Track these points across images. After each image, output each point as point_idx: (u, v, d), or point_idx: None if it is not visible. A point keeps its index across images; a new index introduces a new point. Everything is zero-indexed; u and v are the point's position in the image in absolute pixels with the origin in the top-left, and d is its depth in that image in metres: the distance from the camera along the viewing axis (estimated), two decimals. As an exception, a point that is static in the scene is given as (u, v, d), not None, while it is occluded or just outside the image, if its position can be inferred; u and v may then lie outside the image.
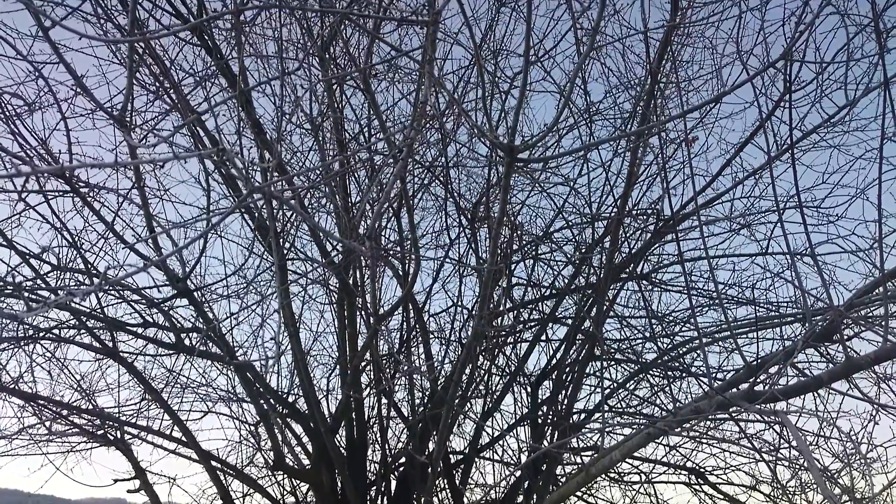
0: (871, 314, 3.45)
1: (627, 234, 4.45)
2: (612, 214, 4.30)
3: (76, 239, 3.73)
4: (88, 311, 3.77)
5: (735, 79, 4.01)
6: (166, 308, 3.79)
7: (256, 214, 3.75)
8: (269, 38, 3.90)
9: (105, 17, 3.07)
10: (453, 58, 4.55)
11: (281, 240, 4.07)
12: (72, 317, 3.89)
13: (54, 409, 4.33)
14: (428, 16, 1.96)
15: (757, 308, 4.26)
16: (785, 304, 4.31)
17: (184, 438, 4.34)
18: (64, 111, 2.89)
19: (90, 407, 4.44)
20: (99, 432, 4.52)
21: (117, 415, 4.48)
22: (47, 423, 4.46)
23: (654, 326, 4.64)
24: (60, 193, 3.21)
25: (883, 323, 3.01)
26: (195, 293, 3.76)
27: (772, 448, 3.92)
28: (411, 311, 4.66)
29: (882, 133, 3.02)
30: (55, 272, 3.83)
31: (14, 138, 3.12)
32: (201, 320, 3.84)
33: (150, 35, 2.81)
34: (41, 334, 3.99)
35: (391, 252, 4.29)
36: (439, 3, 1.95)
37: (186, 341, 4.06)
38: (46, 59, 2.78)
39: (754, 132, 3.89)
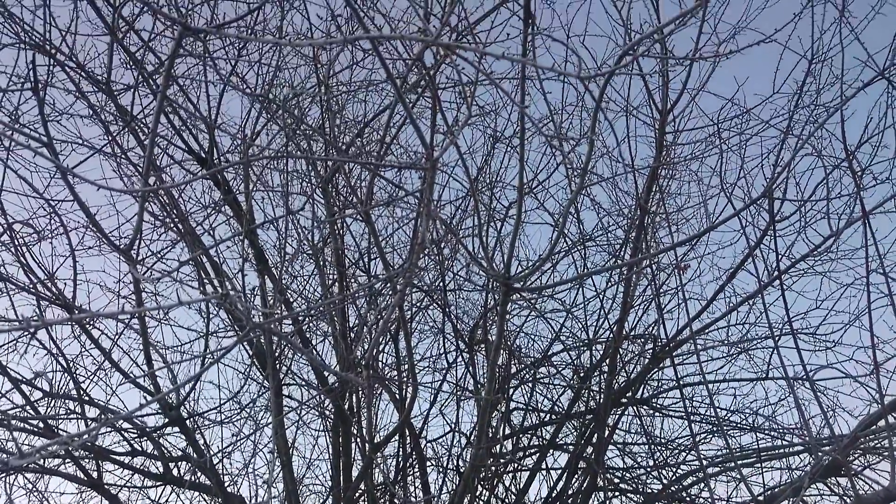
0: (877, 446, 3.38)
1: (625, 360, 4.45)
2: (610, 339, 4.32)
3: (71, 365, 3.71)
4: (75, 439, 3.67)
5: (722, 208, 4.19)
6: (156, 436, 3.70)
7: (255, 341, 3.76)
8: (275, 169, 4.10)
9: (123, 156, 3.25)
10: (451, 187, 4.76)
11: (278, 364, 4.06)
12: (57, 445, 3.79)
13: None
14: (427, 162, 2.08)
15: (758, 435, 4.18)
16: (790, 431, 4.23)
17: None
18: (73, 244, 2.98)
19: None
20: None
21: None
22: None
23: (657, 454, 4.51)
24: (61, 322, 3.24)
25: (889, 455, 2.95)
26: (188, 421, 3.69)
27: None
28: (408, 438, 4.55)
29: (867, 264, 3.11)
30: (46, 398, 3.78)
31: (22, 268, 3.20)
32: (192, 449, 3.74)
33: (164, 186, 2.96)
34: (24, 464, 3.87)
35: (388, 378, 4.26)
36: (437, 152, 2.08)
37: (175, 471, 3.93)
38: (62, 198, 2.91)
39: (743, 261, 4.00)
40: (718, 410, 4.36)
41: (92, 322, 3.32)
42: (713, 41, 3.76)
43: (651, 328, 4.54)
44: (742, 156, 3.88)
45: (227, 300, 1.68)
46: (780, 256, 3.84)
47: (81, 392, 3.60)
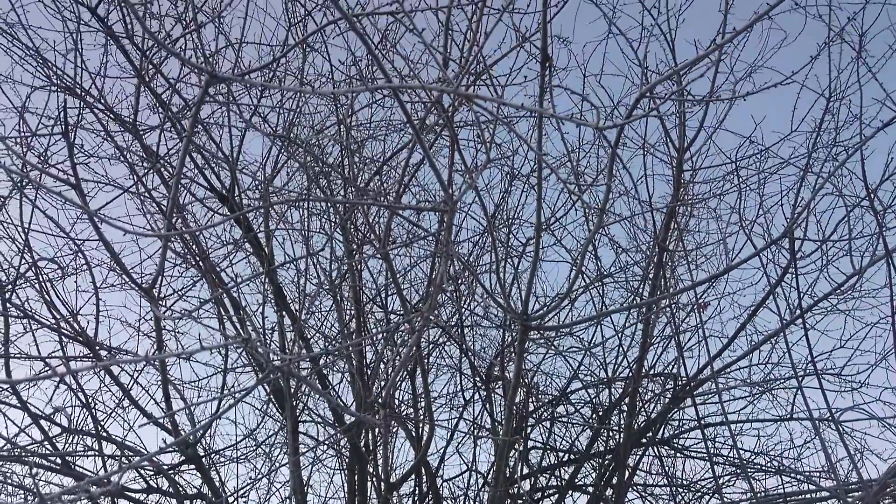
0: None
1: (645, 399, 4.38)
2: (629, 378, 4.26)
3: (90, 401, 3.73)
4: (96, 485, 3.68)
5: (742, 246, 4.15)
6: (172, 474, 3.69)
7: (272, 379, 3.76)
8: (295, 208, 4.15)
9: (148, 195, 3.32)
10: (467, 225, 4.79)
11: (295, 402, 4.05)
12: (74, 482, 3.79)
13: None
14: (446, 205, 2.10)
15: (783, 479, 4.07)
16: (816, 475, 4.12)
17: None
18: (97, 282, 3.03)
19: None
20: None
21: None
22: None
23: (678, 496, 4.41)
24: (86, 368, 3.27)
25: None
26: (204, 458, 3.68)
27: None
28: (424, 477, 4.49)
29: (892, 304, 3.06)
30: (64, 434, 3.80)
31: (45, 305, 3.25)
32: (207, 488, 3.72)
33: (188, 231, 3.02)
34: None
35: (405, 416, 4.22)
36: (456, 194, 2.10)
37: (190, 510, 3.91)
38: (88, 237, 2.97)
39: (763, 300, 3.95)
40: (742, 452, 4.26)
41: (118, 364, 3.35)
42: (730, 80, 3.79)
43: (671, 367, 4.48)
44: (761, 194, 3.86)
45: (247, 344, 1.69)
46: (801, 295, 3.79)
47: (99, 428, 3.61)
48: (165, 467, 3.66)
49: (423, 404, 4.18)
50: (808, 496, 3.83)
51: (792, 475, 4.06)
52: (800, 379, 3.66)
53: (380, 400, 3.41)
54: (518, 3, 2.81)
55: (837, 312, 4.12)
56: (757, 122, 3.95)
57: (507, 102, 1.32)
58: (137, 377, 3.45)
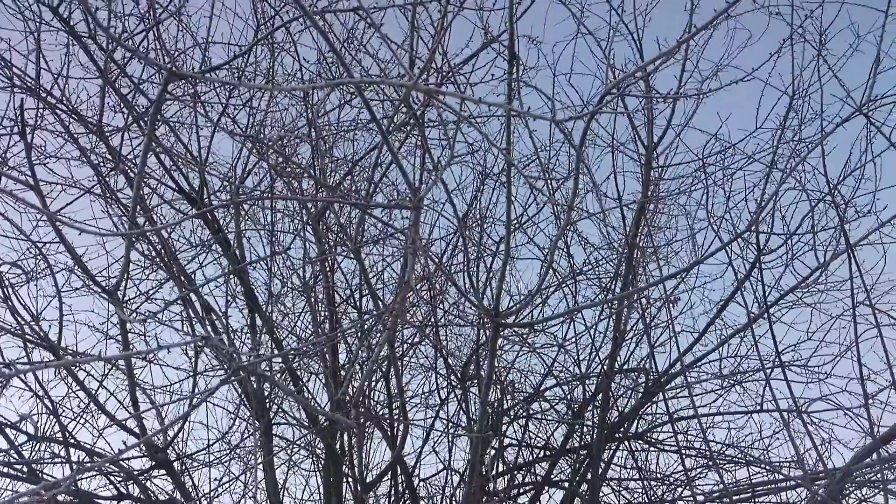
0: (871, 479, 3.35)
1: (618, 394, 4.42)
2: (602, 373, 4.30)
3: (56, 407, 3.66)
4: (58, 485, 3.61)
5: (710, 241, 4.22)
6: (143, 480, 3.64)
7: (244, 381, 3.73)
8: (265, 208, 4.12)
9: (112, 197, 3.26)
10: (440, 224, 4.78)
11: (267, 403, 4.02)
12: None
13: None
14: (412, 202, 2.10)
15: (752, 470, 4.14)
16: (785, 466, 4.19)
17: None
18: (60, 286, 2.97)
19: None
20: None
21: None
22: None
23: (651, 490, 4.46)
24: (46, 366, 3.21)
25: (883, 487, 2.93)
26: (175, 463, 3.63)
27: None
28: (400, 476, 4.49)
29: (853, 296, 3.13)
30: (31, 442, 3.72)
31: (8, 310, 3.18)
32: (179, 493, 3.67)
33: (150, 230, 2.97)
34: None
35: (379, 416, 4.21)
36: (422, 192, 2.11)
37: (162, 516, 3.85)
38: (49, 240, 2.91)
39: (731, 295, 4.02)
40: (712, 445, 4.32)
41: (78, 364, 3.29)
42: (696, 78, 3.85)
43: (643, 362, 4.53)
44: (728, 190, 3.93)
45: (209, 343, 1.67)
46: (768, 289, 3.86)
47: (67, 435, 3.54)
48: (136, 473, 3.60)
49: (397, 404, 4.18)
50: (776, 485, 3.90)
51: (760, 466, 4.14)
52: (767, 372, 3.72)
53: (353, 400, 3.40)
54: (485, 2, 2.82)
55: (803, 305, 4.20)
56: (723, 119, 4.02)
57: (468, 97, 1.32)
58: (103, 380, 3.39)
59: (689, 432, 4.59)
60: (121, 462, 3.67)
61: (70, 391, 3.82)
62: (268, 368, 3.42)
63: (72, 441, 3.63)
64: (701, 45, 3.81)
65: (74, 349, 3.69)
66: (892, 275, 4.03)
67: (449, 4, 2.41)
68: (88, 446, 3.73)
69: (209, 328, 3.56)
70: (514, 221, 3.77)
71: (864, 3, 3.25)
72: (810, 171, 3.74)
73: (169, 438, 3.47)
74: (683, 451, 4.21)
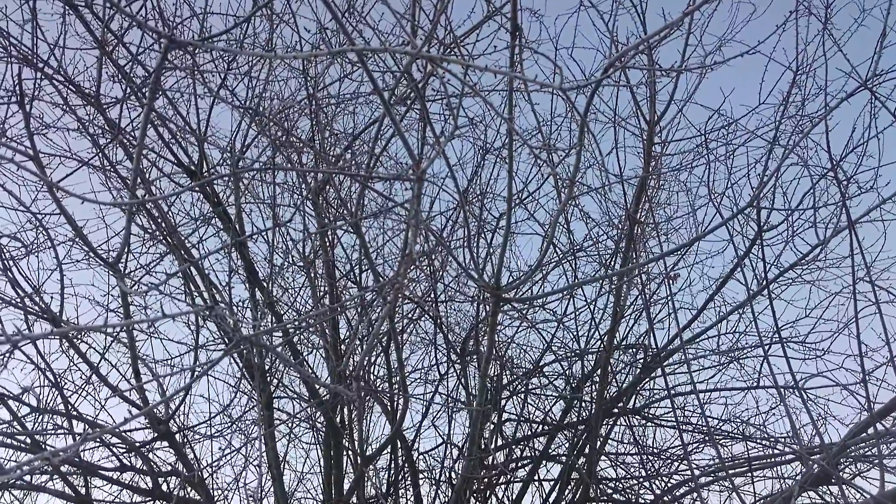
0: (866, 454, 3.39)
1: (617, 370, 4.45)
2: (601, 349, 4.32)
3: (59, 380, 3.68)
4: (59, 454, 3.64)
5: (711, 218, 4.21)
6: (145, 452, 3.67)
7: (245, 353, 3.75)
8: (265, 181, 4.10)
9: (111, 169, 3.24)
10: (441, 198, 4.77)
11: (269, 377, 4.04)
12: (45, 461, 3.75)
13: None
14: (414, 173, 2.09)
15: (749, 445, 4.18)
16: (781, 440, 4.24)
17: None
18: (60, 258, 2.97)
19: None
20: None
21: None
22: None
23: (649, 464, 4.51)
24: (45, 336, 3.22)
25: (878, 462, 2.96)
26: (177, 435, 3.66)
27: None
28: (400, 450, 4.53)
29: (853, 273, 3.14)
30: (34, 414, 3.74)
31: (8, 283, 3.18)
32: (181, 464, 3.71)
33: (151, 199, 2.96)
34: (6, 480, 3.82)
35: (379, 390, 4.24)
36: (424, 163, 2.09)
37: (164, 487, 3.89)
38: (49, 211, 2.90)
39: (731, 271, 4.02)
40: (709, 420, 4.36)
41: (80, 336, 3.30)
42: (699, 52, 3.81)
43: (642, 338, 4.55)
44: (729, 166, 3.91)
45: (213, 313, 1.67)
46: (768, 266, 3.87)
47: (69, 407, 3.57)
48: (138, 444, 3.63)
49: (397, 378, 4.21)
50: (772, 460, 3.94)
51: (757, 441, 4.18)
52: (766, 348, 3.74)
53: (354, 374, 3.42)
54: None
55: (802, 282, 4.21)
56: (726, 94, 3.98)
57: (472, 65, 1.31)
58: (105, 353, 3.40)
59: (686, 408, 4.64)
60: (123, 434, 3.71)
61: (72, 363, 3.84)
62: (269, 341, 3.43)
63: (74, 413, 3.66)
64: (705, 19, 3.77)
65: (76, 322, 3.70)
66: (892, 252, 4.04)
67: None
68: (91, 418, 3.76)
69: (210, 301, 3.56)
70: (515, 197, 3.76)
71: (871, -23, 3.21)
72: (812, 147, 3.73)
73: (171, 411, 3.50)
74: (681, 427, 4.24)
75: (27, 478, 3.88)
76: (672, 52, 3.87)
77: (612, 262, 4.34)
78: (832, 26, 3.50)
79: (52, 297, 3.20)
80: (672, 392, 4.33)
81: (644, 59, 3.85)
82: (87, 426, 3.42)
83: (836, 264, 4.17)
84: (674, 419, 4.45)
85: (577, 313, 4.48)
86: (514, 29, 2.86)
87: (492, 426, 4.62)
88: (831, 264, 4.17)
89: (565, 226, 4.35)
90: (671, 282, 4.07)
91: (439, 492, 4.76)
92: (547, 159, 3.33)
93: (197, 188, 3.28)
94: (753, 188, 3.47)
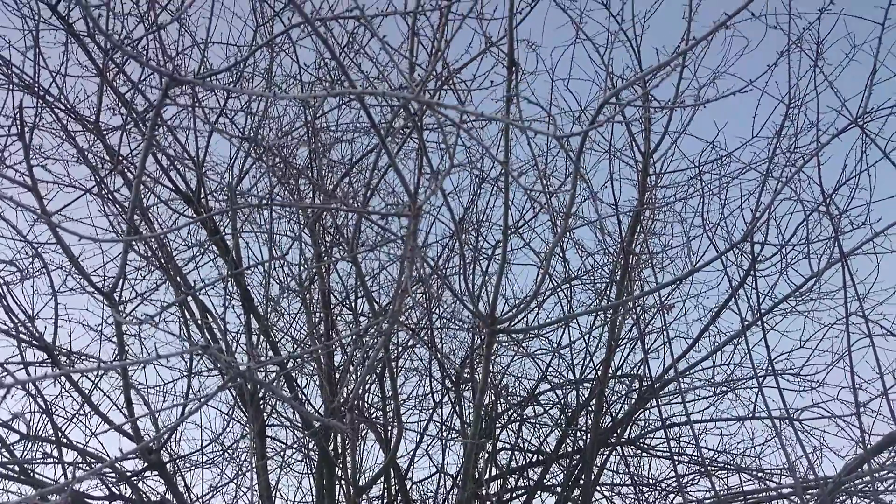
0: (862, 490, 3.38)
1: (612, 400, 4.44)
2: (596, 379, 4.32)
3: (49, 407, 3.64)
4: (53, 483, 3.60)
5: (706, 248, 4.24)
6: (135, 481, 3.63)
7: (239, 382, 3.73)
8: (263, 208, 4.12)
9: (110, 197, 3.25)
10: (438, 224, 4.79)
11: (262, 405, 4.01)
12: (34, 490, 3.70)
13: None
14: (410, 210, 2.11)
15: (744, 477, 4.16)
16: (777, 472, 4.22)
17: None
18: (55, 285, 2.96)
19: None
20: None
21: None
22: None
23: (643, 496, 4.48)
24: (40, 364, 3.21)
25: (874, 499, 2.95)
26: (168, 465, 3.62)
27: None
28: (393, 479, 4.49)
29: (846, 306, 3.16)
30: (23, 441, 3.70)
31: (3, 309, 3.17)
32: (171, 494, 3.67)
33: (148, 236, 2.97)
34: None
35: (373, 419, 4.22)
36: (421, 199, 2.11)
37: (154, 516, 3.84)
38: (45, 240, 2.90)
39: (725, 303, 4.04)
40: (704, 451, 4.34)
41: (71, 363, 3.28)
42: (694, 85, 3.86)
43: (637, 368, 4.55)
44: (723, 198, 3.95)
45: (207, 351, 1.67)
46: (762, 297, 3.88)
47: (60, 435, 3.53)
48: (128, 474, 3.59)
49: (391, 407, 4.18)
50: (767, 493, 3.92)
51: (752, 473, 4.16)
52: (760, 379, 3.74)
53: (348, 404, 3.40)
54: (485, 9, 2.83)
55: (796, 314, 4.23)
56: (720, 127, 4.04)
57: (467, 110, 1.33)
58: (98, 382, 3.38)
59: (681, 439, 4.62)
60: (115, 464, 3.67)
61: (63, 390, 3.81)
62: (264, 374, 3.42)
63: (64, 441, 3.62)
64: (699, 52, 3.83)
65: (69, 348, 3.68)
66: (885, 284, 4.07)
67: (450, 13, 2.42)
68: (81, 446, 3.72)
69: (206, 331, 3.55)
70: (511, 227, 3.78)
71: (860, 15, 3.27)
72: (805, 180, 3.77)
73: (162, 441, 3.47)
74: (676, 458, 4.23)
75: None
76: (666, 84, 3.93)
77: (608, 291, 4.35)
78: (823, 62, 3.56)
79: (46, 327, 3.19)
80: (667, 423, 4.32)
81: (639, 91, 3.90)
82: (77, 455, 3.39)
83: (829, 296, 4.19)
84: (668, 450, 4.43)
85: (573, 343, 4.48)
86: (510, 63, 2.91)
87: (486, 455, 4.59)
88: (825, 296, 4.20)
89: (561, 255, 4.37)
90: (665, 312, 4.08)
91: (433, 522, 4.71)
92: (543, 193, 3.36)
93: (196, 222, 3.29)
94: (747, 222, 3.51)
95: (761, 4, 3.36)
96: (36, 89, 3.26)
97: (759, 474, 4.16)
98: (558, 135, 1.13)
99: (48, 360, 3.26)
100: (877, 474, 2.77)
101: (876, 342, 3.12)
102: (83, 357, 3.49)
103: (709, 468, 4.16)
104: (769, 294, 4.05)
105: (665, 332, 4.15)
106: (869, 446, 3.07)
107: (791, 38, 3.49)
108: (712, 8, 3.66)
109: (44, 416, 3.66)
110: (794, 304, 4.17)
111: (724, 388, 4.42)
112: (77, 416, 3.67)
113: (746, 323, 3.83)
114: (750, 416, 4.35)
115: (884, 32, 3.05)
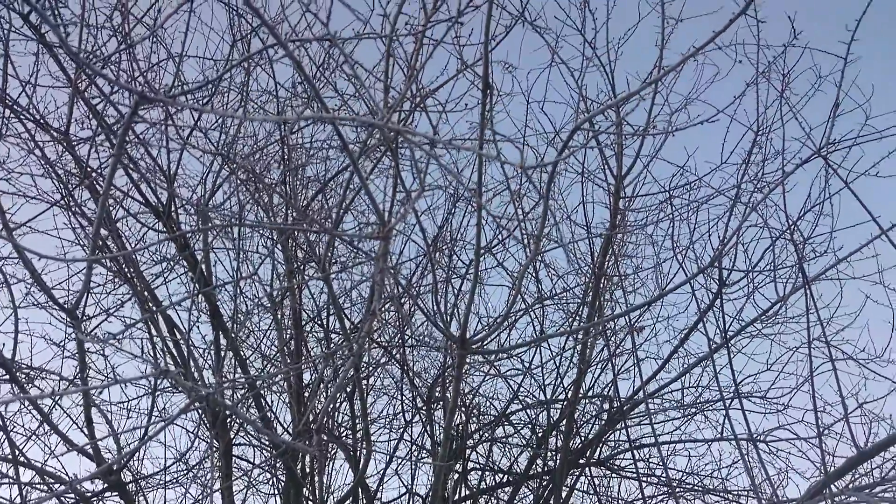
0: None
1: (582, 420, 4.45)
2: (567, 400, 4.33)
3: (6, 424, 3.54)
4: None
5: (676, 271, 4.29)
6: (95, 503, 3.53)
7: (198, 408, 3.66)
8: (234, 225, 4.07)
9: (77, 209, 3.19)
10: (412, 243, 4.78)
11: (228, 422, 3.94)
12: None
13: None
14: (380, 233, 2.10)
15: (711, 498, 4.20)
16: (743, 494, 4.27)
17: None
18: (17, 302, 2.89)
19: None
20: None
21: None
22: None
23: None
24: (3, 401, 3.12)
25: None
26: (129, 485, 3.54)
27: None
28: (362, 500, 4.44)
29: (808, 332, 3.22)
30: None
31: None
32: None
33: (113, 255, 2.92)
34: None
35: (342, 437, 4.17)
36: (392, 222, 2.11)
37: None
38: (6, 254, 2.83)
39: (693, 326, 4.09)
40: (672, 473, 4.37)
41: (31, 380, 3.19)
42: (665, 111, 3.94)
43: (607, 389, 4.58)
44: (693, 222, 4.01)
45: (168, 376, 1.64)
46: (729, 321, 3.94)
47: (17, 454, 3.43)
48: (88, 495, 3.49)
49: (361, 426, 4.14)
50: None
51: (718, 495, 4.20)
52: (727, 401, 3.79)
53: (316, 425, 3.36)
54: (461, 33, 2.86)
55: (763, 337, 4.30)
56: (690, 152, 4.11)
57: (438, 139, 1.34)
58: (58, 400, 3.29)
59: (649, 460, 4.65)
60: (75, 485, 3.56)
61: (22, 406, 3.70)
62: (232, 392, 3.36)
63: (21, 460, 3.51)
64: (670, 80, 3.91)
65: (29, 363, 3.59)
66: (849, 308, 4.16)
67: (424, 38, 2.44)
68: (39, 465, 3.62)
69: (171, 348, 3.49)
70: (484, 247, 3.80)
71: (825, 49, 3.38)
72: (772, 206, 3.85)
73: (123, 461, 3.38)
74: (644, 479, 4.25)
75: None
76: (639, 109, 4.00)
77: (580, 312, 4.37)
78: (790, 92, 3.66)
79: (3, 343, 3.10)
80: (635, 444, 4.34)
81: (612, 115, 3.97)
82: (34, 474, 3.29)
83: (795, 320, 4.27)
84: (636, 471, 4.46)
85: (544, 363, 4.49)
86: (485, 87, 2.93)
87: (456, 476, 4.56)
88: (790, 320, 4.28)
89: (533, 275, 4.39)
90: (636, 334, 4.12)
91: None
92: (514, 217, 3.38)
93: (167, 239, 3.24)
94: (714, 247, 3.57)
95: (731, 35, 3.45)
96: (4, 99, 3.20)
97: (726, 496, 4.20)
98: (525, 166, 1.14)
99: (6, 378, 3.17)
100: (837, 499, 2.81)
101: (838, 366, 3.20)
102: (44, 373, 3.40)
103: (676, 490, 4.19)
104: (736, 317, 4.12)
105: (635, 354, 4.19)
106: (832, 469, 3.12)
107: (759, 69, 3.59)
108: (684, 35, 3.75)
109: (0, 433, 3.55)
110: (761, 328, 4.24)
111: (693, 410, 4.46)
112: (35, 434, 3.57)
113: (714, 346, 3.89)
114: (717, 437, 4.40)
115: (846, 66, 3.15)
